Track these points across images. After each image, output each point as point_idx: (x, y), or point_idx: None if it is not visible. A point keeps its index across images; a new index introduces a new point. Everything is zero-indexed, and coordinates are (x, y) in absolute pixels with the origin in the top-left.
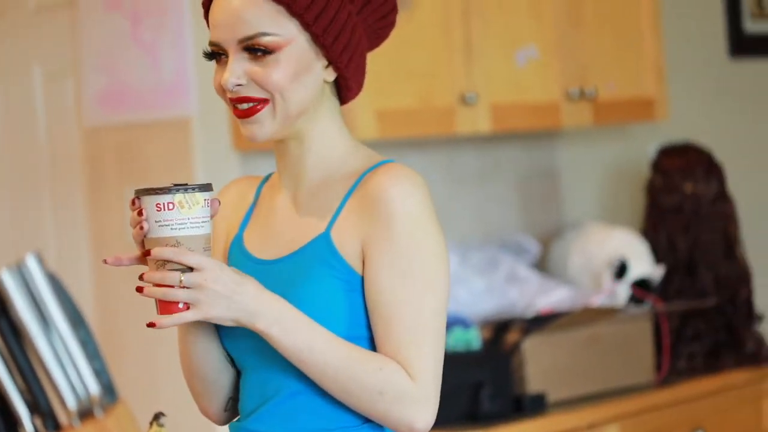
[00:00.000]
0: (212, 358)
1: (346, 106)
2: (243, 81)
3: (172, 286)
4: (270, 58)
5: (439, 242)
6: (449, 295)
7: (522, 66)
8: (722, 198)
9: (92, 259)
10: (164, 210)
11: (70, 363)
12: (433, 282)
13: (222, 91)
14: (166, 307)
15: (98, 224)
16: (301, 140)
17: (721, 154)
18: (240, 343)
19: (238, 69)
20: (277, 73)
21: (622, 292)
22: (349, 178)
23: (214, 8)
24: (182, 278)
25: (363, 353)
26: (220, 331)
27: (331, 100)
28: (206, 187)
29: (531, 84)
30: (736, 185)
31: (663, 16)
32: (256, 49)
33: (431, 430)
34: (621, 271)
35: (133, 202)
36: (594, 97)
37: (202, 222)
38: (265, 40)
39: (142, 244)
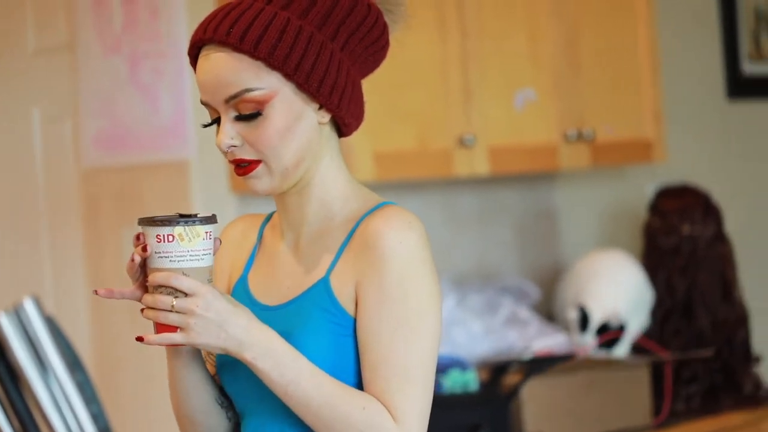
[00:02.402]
0: (200, 398)
1: (344, 149)
2: (237, 142)
3: (165, 310)
4: (260, 118)
5: (432, 286)
6: (440, 340)
7: (520, 108)
8: (720, 240)
9: (89, 301)
10: (164, 242)
11: (68, 407)
12: (423, 327)
13: (223, 151)
14: (162, 330)
15: (95, 266)
16: (301, 188)
17: (719, 196)
18: (241, 386)
19: (231, 130)
20: (267, 131)
21: (589, 341)
22: (348, 221)
23: (198, 70)
24: (174, 303)
25: (349, 391)
26: (222, 374)
27: (330, 140)
28: (209, 220)
29: (529, 126)
30: (733, 227)
31: (661, 58)
32: (245, 115)
33: None
34: (584, 319)
35: (138, 237)
36: (592, 139)
37: (203, 255)
38: (250, 96)
39: (137, 277)
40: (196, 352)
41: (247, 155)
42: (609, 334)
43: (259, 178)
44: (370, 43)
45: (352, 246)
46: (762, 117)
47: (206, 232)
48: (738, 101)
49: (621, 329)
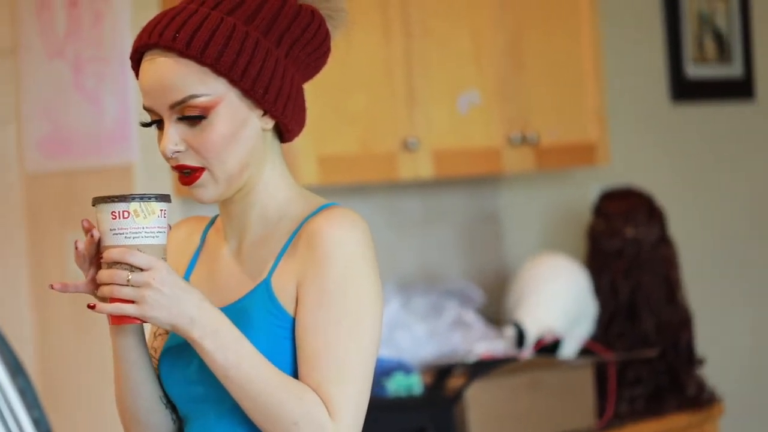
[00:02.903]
0: (145, 396)
1: (287, 152)
2: (181, 148)
3: (120, 285)
4: (204, 122)
5: (373, 285)
6: (380, 340)
7: (464, 112)
8: (663, 242)
9: (32, 306)
10: (119, 218)
11: (9, 412)
12: (362, 325)
13: (166, 157)
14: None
15: (39, 271)
16: (244, 195)
17: (663, 198)
18: (184, 388)
19: (175, 135)
20: (211, 137)
21: (527, 356)
22: (291, 223)
23: (142, 75)
24: (129, 276)
25: (288, 381)
26: (163, 377)
27: (273, 145)
28: (164, 198)
29: (473, 130)
30: (677, 229)
31: (605, 62)
32: (189, 116)
33: None
34: (520, 337)
35: (88, 226)
36: (536, 143)
37: (158, 232)
38: (196, 102)
39: (88, 267)
40: (143, 349)
41: (191, 161)
42: (544, 343)
43: (205, 187)
44: (313, 50)
45: (294, 247)
46: (705, 119)
47: (161, 210)
48: (681, 104)
49: (557, 343)
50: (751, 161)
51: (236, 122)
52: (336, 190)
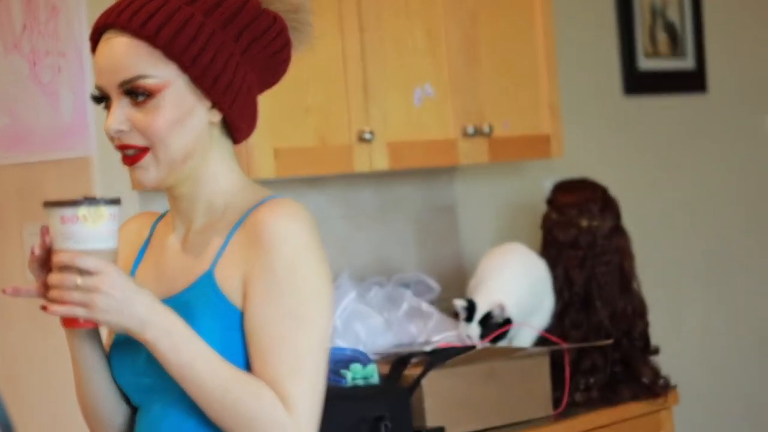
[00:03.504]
0: (105, 396)
1: (242, 145)
2: (125, 127)
3: (70, 289)
4: (150, 103)
5: (320, 274)
6: (330, 330)
7: (418, 104)
8: (617, 233)
9: None
10: (68, 223)
11: None
12: (312, 315)
13: (110, 135)
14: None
15: None
16: (191, 184)
17: (616, 190)
18: (135, 379)
19: (120, 115)
20: (157, 119)
21: (473, 333)
22: (234, 214)
23: (97, 53)
24: (78, 281)
25: (244, 378)
26: (114, 368)
27: (221, 141)
28: (113, 202)
29: (428, 122)
30: (630, 220)
31: (558, 55)
32: (136, 94)
33: None
34: (470, 311)
35: (44, 231)
36: (490, 135)
37: (107, 237)
38: (143, 83)
39: (39, 273)
40: (101, 352)
41: (135, 141)
42: (496, 330)
43: (146, 169)
44: (273, 53)
45: (238, 238)
46: (658, 111)
47: (110, 214)
48: (634, 97)
49: (507, 322)
50: (703, 152)
51: (182, 109)
52: (292, 182)
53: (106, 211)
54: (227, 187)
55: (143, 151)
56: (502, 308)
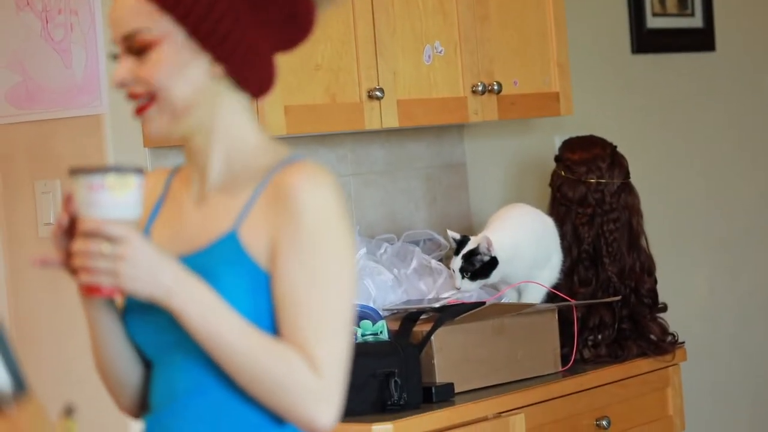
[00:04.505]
0: (123, 358)
1: (252, 102)
2: (128, 79)
3: (95, 257)
4: (150, 56)
5: (346, 238)
6: (356, 291)
7: (428, 62)
8: (626, 190)
9: (5, 254)
10: (95, 191)
11: None
12: (339, 278)
13: (117, 86)
14: (91, 288)
15: (10, 221)
16: (205, 135)
17: (624, 147)
18: (151, 336)
19: (124, 67)
20: (155, 71)
21: (455, 265)
22: (256, 173)
23: (110, 8)
24: (104, 248)
25: (272, 345)
26: (131, 325)
27: (232, 94)
28: (140, 172)
29: (437, 80)
30: (638, 178)
31: (567, 13)
32: (136, 48)
33: (341, 421)
34: (460, 245)
35: (68, 199)
36: (499, 92)
37: (133, 206)
38: (140, 37)
39: (62, 243)
40: (116, 316)
41: (139, 90)
42: (477, 267)
43: (152, 119)
44: (290, 14)
45: (263, 199)
46: (665, 69)
47: (137, 183)
48: (643, 55)
49: (492, 261)
50: (711, 110)
51: (180, 61)
52: (302, 140)
53: (133, 180)
54: (245, 142)
55: (149, 101)
56: (489, 244)
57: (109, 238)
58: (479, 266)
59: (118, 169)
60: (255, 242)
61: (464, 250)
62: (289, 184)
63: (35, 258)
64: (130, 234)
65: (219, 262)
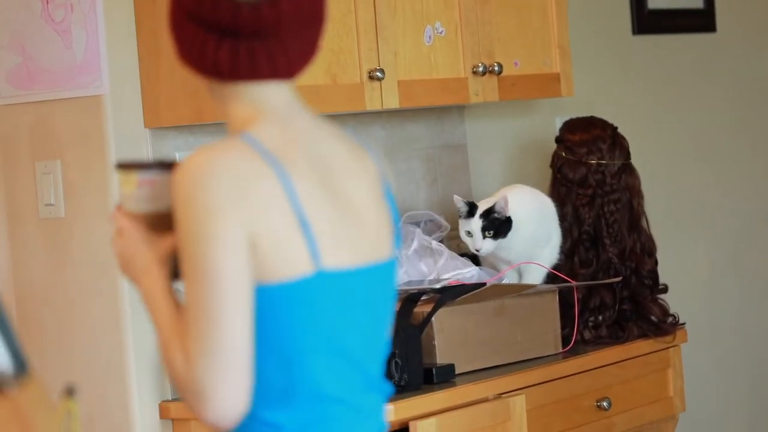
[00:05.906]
0: None
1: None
2: None
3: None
4: None
5: (201, 225)
6: (241, 272)
7: (429, 43)
8: (627, 171)
9: (6, 235)
10: (120, 185)
11: None
12: (206, 265)
13: None
14: None
15: (12, 201)
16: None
17: (625, 128)
18: None
19: None
20: None
21: (475, 227)
22: None
23: None
24: (113, 236)
25: (174, 340)
26: None
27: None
28: (150, 168)
29: (438, 60)
30: (639, 159)
31: None
32: None
33: None
34: (471, 207)
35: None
36: (500, 73)
37: (144, 200)
38: None
39: None
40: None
41: None
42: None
43: None
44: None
45: None
46: (666, 50)
47: (138, 181)
48: (644, 36)
49: (508, 221)
50: (712, 91)
51: None
52: None
53: (135, 177)
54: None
55: None
56: (505, 202)
57: (115, 228)
58: (498, 224)
59: (121, 165)
60: None
61: (479, 211)
62: None
63: None
64: (124, 225)
65: None
